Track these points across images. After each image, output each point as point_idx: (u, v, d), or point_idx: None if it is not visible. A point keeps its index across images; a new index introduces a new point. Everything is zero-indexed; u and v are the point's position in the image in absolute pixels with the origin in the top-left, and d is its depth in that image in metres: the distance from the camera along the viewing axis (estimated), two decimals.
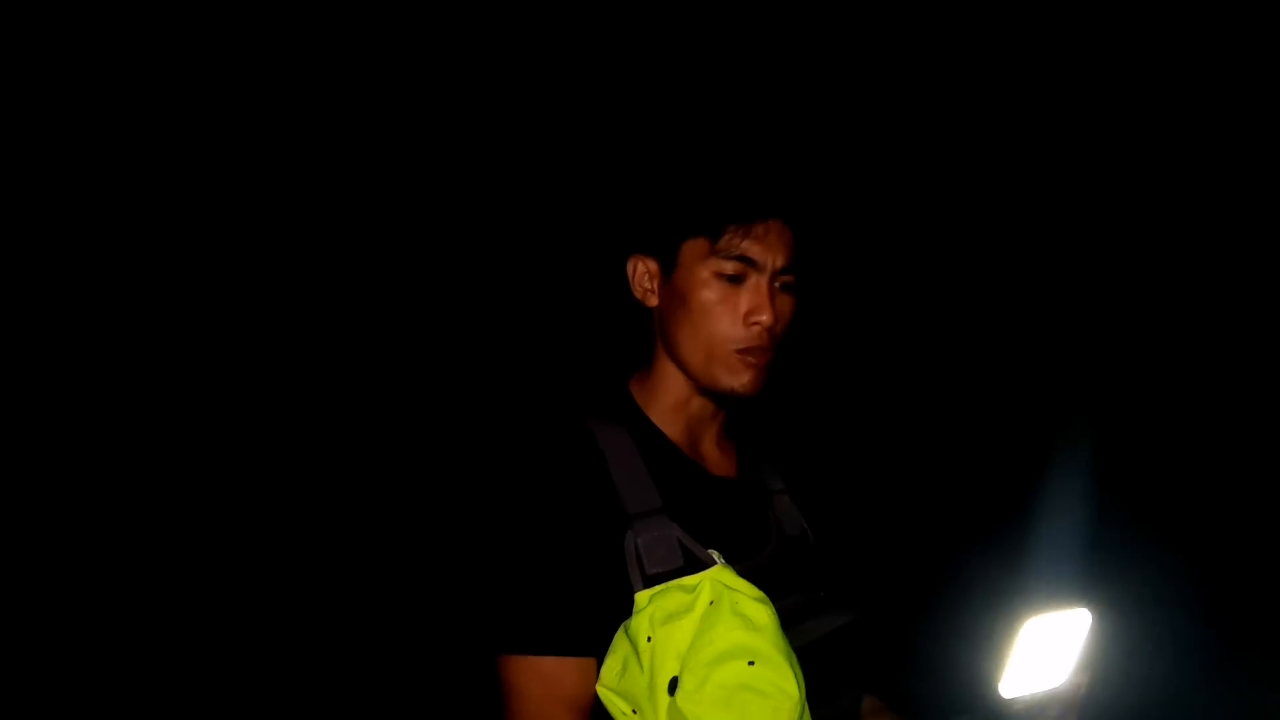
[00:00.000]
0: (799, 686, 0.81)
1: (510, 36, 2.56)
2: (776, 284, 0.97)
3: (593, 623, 0.87)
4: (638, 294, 1.02)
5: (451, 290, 2.75)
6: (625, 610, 0.87)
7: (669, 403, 1.02)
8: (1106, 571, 2.16)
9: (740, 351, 0.95)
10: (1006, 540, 2.57)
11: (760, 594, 0.86)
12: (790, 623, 0.92)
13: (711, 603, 0.83)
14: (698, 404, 1.02)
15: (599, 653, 0.87)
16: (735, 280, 0.95)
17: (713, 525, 0.95)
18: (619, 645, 0.86)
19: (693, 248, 0.96)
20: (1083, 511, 2.57)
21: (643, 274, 1.01)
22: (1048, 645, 0.93)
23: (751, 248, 0.95)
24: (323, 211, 2.65)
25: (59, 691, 2.30)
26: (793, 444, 1.15)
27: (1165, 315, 3.01)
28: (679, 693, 0.80)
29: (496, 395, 2.63)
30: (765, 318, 0.95)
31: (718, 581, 0.85)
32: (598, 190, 2.47)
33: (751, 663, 0.80)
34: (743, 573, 0.91)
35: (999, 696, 0.93)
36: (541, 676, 0.87)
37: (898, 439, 3.10)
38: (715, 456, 1.05)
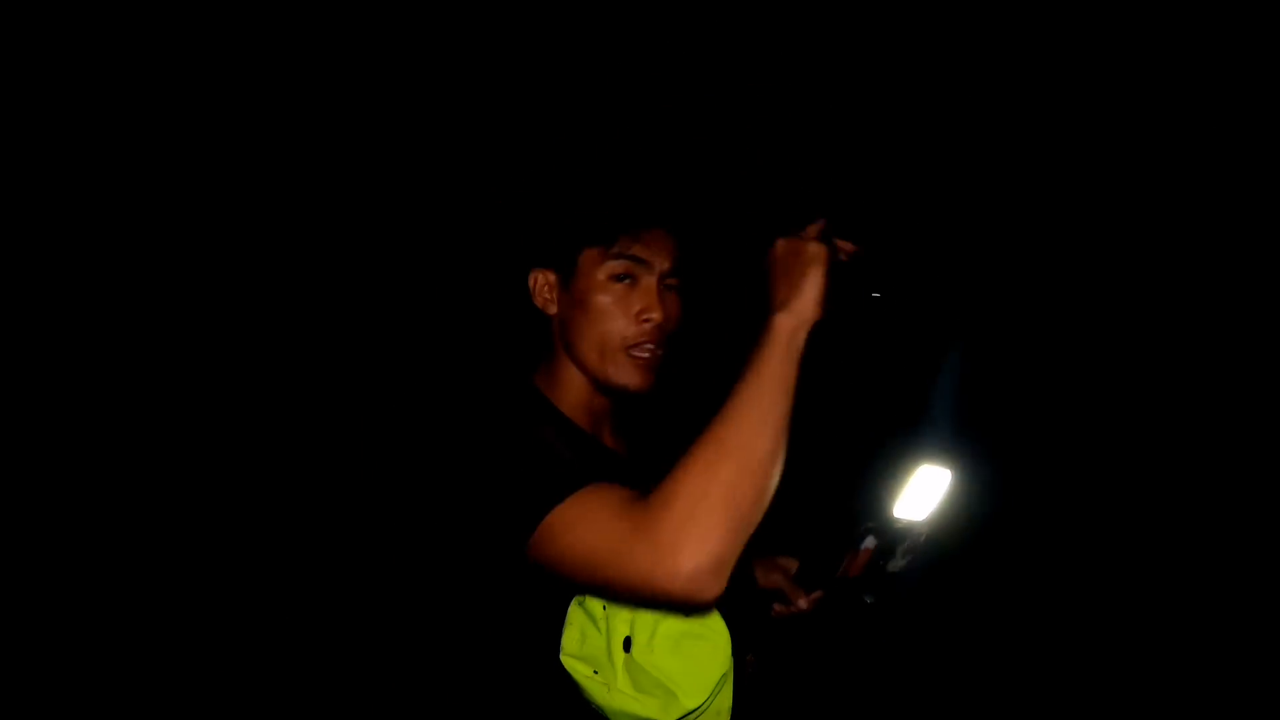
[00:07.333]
0: (726, 624, 0.97)
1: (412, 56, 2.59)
2: (664, 285, 1.09)
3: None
4: (538, 303, 1.14)
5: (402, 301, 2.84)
6: None
7: (571, 400, 1.13)
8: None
9: (631, 348, 1.08)
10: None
11: None
12: None
13: None
14: (597, 401, 1.14)
15: None
16: (627, 280, 1.07)
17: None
18: (574, 618, 0.97)
19: (589, 256, 1.09)
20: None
21: (543, 285, 1.13)
22: (924, 488, 1.23)
23: (640, 249, 1.08)
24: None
25: (59, 692, 2.35)
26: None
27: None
28: (634, 648, 0.93)
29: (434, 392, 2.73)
30: (656, 315, 1.07)
31: None
32: (500, 211, 2.54)
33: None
34: None
35: (893, 516, 1.22)
36: (586, 496, 0.89)
37: None
38: (612, 446, 1.17)
